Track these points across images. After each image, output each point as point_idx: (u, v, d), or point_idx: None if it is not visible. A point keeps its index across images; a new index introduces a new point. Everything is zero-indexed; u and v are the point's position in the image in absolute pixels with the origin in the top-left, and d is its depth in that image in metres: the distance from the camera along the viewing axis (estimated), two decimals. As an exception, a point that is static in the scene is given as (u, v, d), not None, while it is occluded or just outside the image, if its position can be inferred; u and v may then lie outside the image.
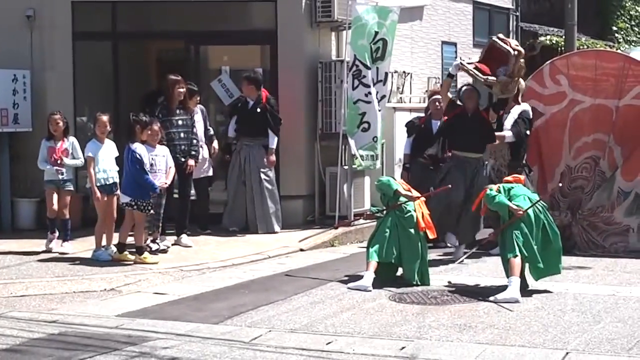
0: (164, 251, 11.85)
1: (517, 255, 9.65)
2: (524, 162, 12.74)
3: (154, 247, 12.04)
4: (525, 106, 12.75)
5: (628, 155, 12.68)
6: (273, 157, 13.81)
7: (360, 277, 10.22)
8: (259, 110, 13.62)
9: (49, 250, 12.01)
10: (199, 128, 13.37)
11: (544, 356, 7.35)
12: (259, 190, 13.67)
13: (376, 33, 14.07)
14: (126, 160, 11.42)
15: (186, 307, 9.21)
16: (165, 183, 11.79)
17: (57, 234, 12.15)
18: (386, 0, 14.93)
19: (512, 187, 10.15)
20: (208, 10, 14.64)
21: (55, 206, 11.99)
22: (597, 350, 7.53)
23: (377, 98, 14.26)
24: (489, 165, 12.42)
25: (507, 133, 12.48)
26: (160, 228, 12.17)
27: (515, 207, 9.88)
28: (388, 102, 15.43)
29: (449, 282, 10.30)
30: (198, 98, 13.40)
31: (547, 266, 9.88)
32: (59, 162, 11.95)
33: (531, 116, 12.80)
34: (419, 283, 10.32)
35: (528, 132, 12.73)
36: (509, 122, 12.53)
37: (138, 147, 11.40)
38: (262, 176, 13.67)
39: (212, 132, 13.78)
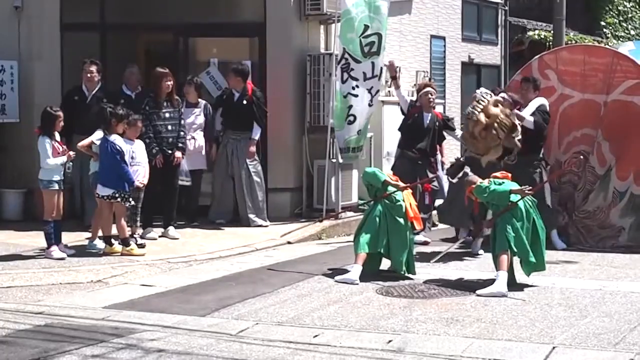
0: (142, 246, 11.77)
1: (506, 250, 9.66)
2: (541, 155, 12.62)
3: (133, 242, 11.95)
4: (542, 100, 12.68)
5: (620, 152, 12.67)
6: (253, 148, 13.75)
7: (347, 270, 10.22)
8: (245, 102, 13.60)
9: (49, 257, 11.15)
10: (198, 122, 13.56)
11: (530, 350, 7.37)
12: (249, 182, 13.64)
13: (366, 27, 14.06)
14: (104, 153, 11.32)
15: (173, 299, 9.19)
16: (142, 183, 11.71)
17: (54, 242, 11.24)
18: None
19: (503, 182, 10.14)
20: (197, 3, 14.60)
21: (55, 209, 11.19)
22: (583, 344, 7.55)
23: (372, 93, 14.27)
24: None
25: (529, 118, 12.32)
26: (138, 222, 12.11)
27: (520, 188, 9.92)
28: (376, 95, 15.45)
29: (424, 282, 10.22)
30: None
31: (537, 262, 9.89)
32: (70, 152, 11.25)
33: (548, 109, 12.72)
34: (406, 273, 10.34)
35: (546, 125, 12.65)
36: (527, 111, 12.42)
37: (117, 139, 11.34)
38: (251, 169, 13.66)
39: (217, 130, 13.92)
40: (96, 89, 13.17)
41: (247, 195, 13.67)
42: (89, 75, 13.09)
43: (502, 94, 12.31)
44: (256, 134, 13.73)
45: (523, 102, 12.60)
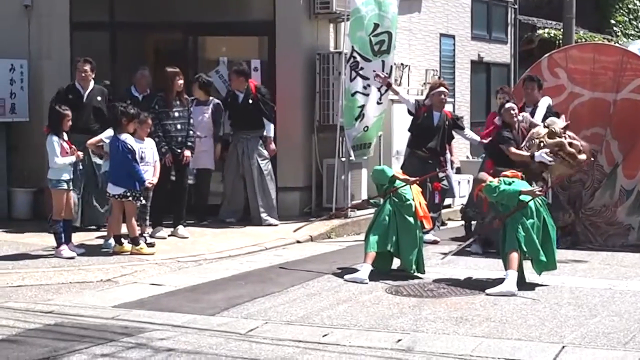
0: (152, 245, 11.78)
1: (516, 249, 9.64)
2: None
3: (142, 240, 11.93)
4: (548, 100, 12.64)
5: (628, 150, 12.65)
6: (273, 145, 13.81)
7: (356, 270, 10.22)
8: (251, 101, 13.61)
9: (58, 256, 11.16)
10: (207, 120, 13.56)
11: (540, 350, 7.35)
12: (261, 181, 13.65)
13: (376, 25, 14.05)
14: (115, 151, 11.32)
15: (182, 298, 9.20)
16: (152, 182, 11.71)
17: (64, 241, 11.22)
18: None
19: (513, 181, 10.11)
20: (206, 1, 14.61)
21: (65, 208, 11.18)
22: (593, 344, 7.53)
23: (381, 91, 14.27)
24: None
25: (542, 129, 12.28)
26: (147, 221, 12.13)
27: (530, 189, 9.89)
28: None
29: (433, 281, 10.20)
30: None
31: (547, 261, 9.86)
32: (78, 152, 11.25)
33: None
34: (415, 272, 10.34)
35: None
36: (539, 115, 12.37)
37: (128, 138, 11.35)
38: (262, 167, 13.67)
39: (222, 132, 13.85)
40: (91, 87, 13.06)
41: (258, 194, 13.67)
42: (83, 74, 12.97)
43: (509, 104, 12.19)
44: (270, 131, 13.77)
45: (527, 101, 12.60)
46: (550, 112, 12.47)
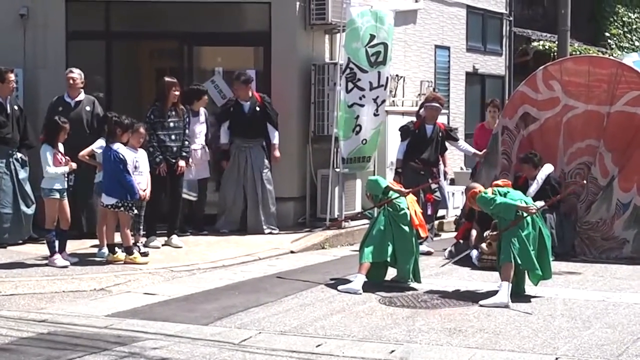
0: (145, 254, 11.77)
1: (511, 261, 9.62)
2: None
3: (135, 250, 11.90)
4: (549, 168, 12.65)
5: (624, 163, 12.64)
6: (278, 152, 13.83)
7: (350, 280, 10.22)
8: (258, 109, 13.66)
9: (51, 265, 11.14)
10: (202, 130, 13.53)
11: (533, 361, 7.37)
12: (263, 190, 13.69)
13: (372, 36, 14.06)
14: (107, 161, 11.33)
15: (176, 308, 9.19)
16: (145, 194, 11.73)
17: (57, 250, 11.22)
18: (380, 4, 14.93)
19: (508, 191, 10.10)
20: (202, 11, 14.63)
21: (61, 217, 11.22)
22: (586, 355, 7.53)
23: (377, 102, 14.28)
24: None
25: (539, 203, 12.27)
26: (140, 231, 12.12)
27: (524, 205, 9.86)
28: (381, 105, 15.46)
29: (427, 292, 10.19)
30: (205, 97, 13.68)
31: (543, 271, 9.86)
32: (72, 163, 11.25)
33: (558, 178, 12.70)
34: (412, 281, 10.34)
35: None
36: (533, 189, 12.39)
37: (120, 148, 11.35)
38: (264, 176, 13.71)
39: (209, 136, 13.82)
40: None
41: (260, 203, 13.71)
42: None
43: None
44: (275, 138, 13.86)
45: (529, 178, 12.59)
46: (552, 184, 12.45)
